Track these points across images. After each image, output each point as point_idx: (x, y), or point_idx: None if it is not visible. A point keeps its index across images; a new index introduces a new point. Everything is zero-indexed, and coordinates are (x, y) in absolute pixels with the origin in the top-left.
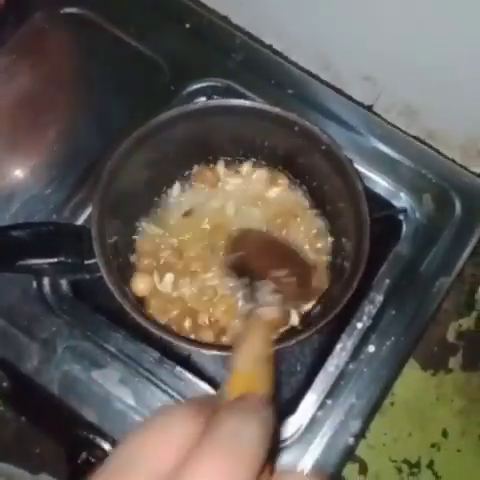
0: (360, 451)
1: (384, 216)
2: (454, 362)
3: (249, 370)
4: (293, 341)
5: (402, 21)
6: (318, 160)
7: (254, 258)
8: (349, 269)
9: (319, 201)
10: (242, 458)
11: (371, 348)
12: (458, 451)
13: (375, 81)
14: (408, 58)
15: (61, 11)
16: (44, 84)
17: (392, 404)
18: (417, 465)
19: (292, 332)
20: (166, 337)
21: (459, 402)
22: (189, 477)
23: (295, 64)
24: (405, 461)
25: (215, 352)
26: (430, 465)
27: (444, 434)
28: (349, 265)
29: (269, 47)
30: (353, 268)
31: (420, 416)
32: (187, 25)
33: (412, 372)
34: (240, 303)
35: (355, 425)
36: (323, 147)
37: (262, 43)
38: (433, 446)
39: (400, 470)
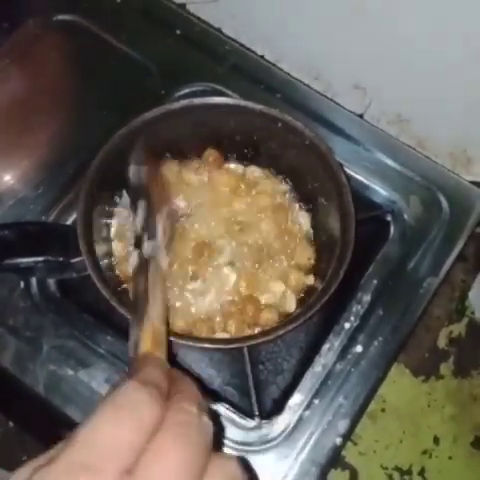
0: (351, 458)
1: (371, 217)
2: (445, 368)
3: (160, 324)
4: (281, 331)
5: (390, 31)
6: (302, 155)
7: (152, 187)
8: (334, 260)
9: (305, 196)
10: (197, 447)
11: (359, 348)
12: (450, 458)
13: (365, 90)
14: (397, 67)
15: (54, 18)
16: (36, 89)
17: (383, 410)
18: (408, 472)
19: (278, 324)
20: None
21: (451, 409)
22: (149, 465)
23: (285, 73)
24: (396, 468)
25: (203, 345)
26: (421, 472)
27: (435, 441)
28: (336, 256)
29: (261, 57)
30: (338, 259)
31: (411, 423)
32: (178, 31)
33: (403, 378)
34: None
35: (343, 425)
36: (306, 141)
37: (254, 53)
38: (424, 453)
39: (391, 477)
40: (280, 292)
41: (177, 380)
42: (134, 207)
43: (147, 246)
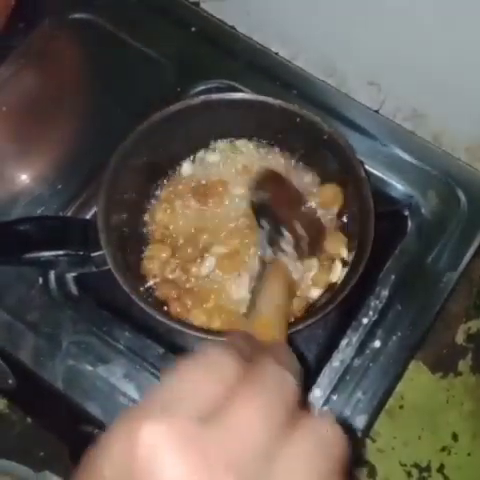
0: (369, 455)
1: (389, 211)
2: (464, 365)
3: (271, 315)
4: (300, 326)
5: (406, 26)
6: (321, 150)
7: (277, 202)
8: (354, 255)
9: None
10: (282, 405)
11: (377, 343)
12: (468, 454)
13: (380, 86)
14: (412, 62)
15: (69, 16)
16: (52, 88)
17: (401, 407)
18: (427, 469)
19: (299, 318)
20: (175, 326)
21: (469, 405)
22: (231, 419)
23: (301, 69)
24: (415, 465)
25: (223, 338)
26: (440, 469)
27: (454, 437)
28: (354, 252)
29: (275, 54)
30: (358, 254)
31: (430, 419)
32: (193, 29)
33: (421, 375)
34: (260, 247)
35: (361, 421)
36: (325, 137)
37: (269, 50)
38: (443, 450)
39: (410, 474)
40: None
41: (267, 349)
42: (259, 224)
43: (268, 252)
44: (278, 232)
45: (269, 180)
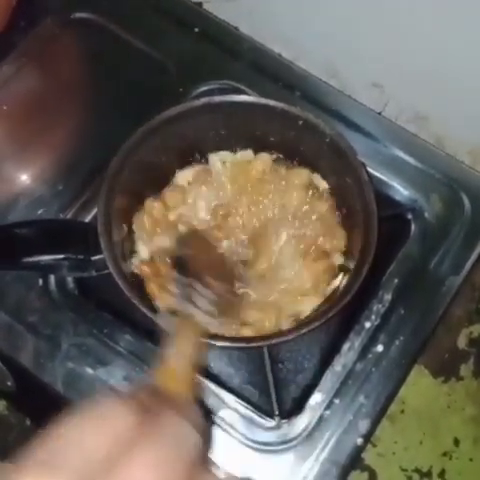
0: (370, 460)
1: (392, 215)
2: (465, 369)
3: (179, 368)
4: (304, 330)
5: (409, 28)
6: (323, 153)
7: (198, 260)
8: (357, 259)
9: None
10: (180, 454)
11: (379, 347)
12: (470, 460)
13: (383, 88)
14: (416, 65)
15: (71, 16)
16: (53, 87)
17: (402, 412)
18: (428, 474)
19: (301, 323)
20: None
21: (471, 410)
22: (124, 468)
23: (304, 70)
24: (416, 470)
25: (223, 343)
26: (441, 474)
27: (456, 442)
28: (357, 255)
29: (278, 55)
30: (361, 258)
31: (431, 424)
32: (196, 29)
33: (423, 379)
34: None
35: (363, 425)
36: (327, 140)
37: (271, 51)
38: (445, 455)
39: (411, 479)
40: None
41: (176, 406)
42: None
43: (182, 306)
44: (194, 288)
45: (193, 238)
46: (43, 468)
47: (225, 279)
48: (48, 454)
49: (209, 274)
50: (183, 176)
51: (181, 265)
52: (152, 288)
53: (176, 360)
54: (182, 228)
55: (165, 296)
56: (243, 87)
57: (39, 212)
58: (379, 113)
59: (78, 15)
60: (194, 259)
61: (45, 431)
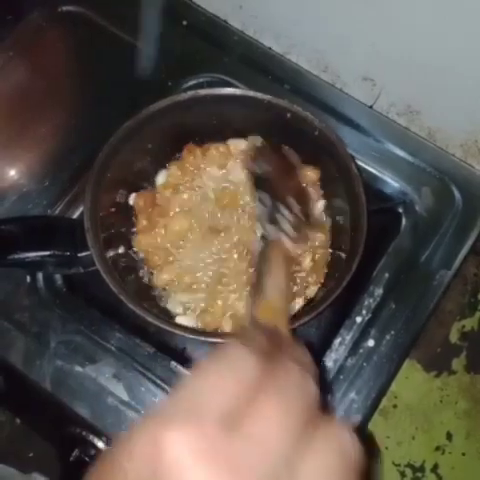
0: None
1: (383, 209)
2: (458, 363)
3: (277, 300)
4: (294, 325)
5: (400, 21)
6: (312, 146)
7: (277, 178)
8: (347, 253)
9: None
10: (305, 410)
11: (371, 342)
12: (463, 454)
13: (374, 81)
14: (407, 58)
15: (59, 9)
16: (41, 81)
17: (395, 407)
18: (421, 469)
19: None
20: (163, 326)
21: (463, 404)
22: (254, 425)
23: (294, 64)
24: (409, 465)
25: (212, 339)
26: (434, 469)
27: (448, 437)
28: (348, 249)
29: (269, 49)
30: (351, 251)
31: (424, 419)
32: (184, 22)
33: (415, 374)
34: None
35: (355, 421)
36: (316, 132)
37: (261, 45)
38: (437, 449)
39: (403, 474)
40: None
41: (287, 346)
42: (257, 196)
43: (269, 230)
44: (278, 210)
45: (268, 152)
46: (187, 416)
47: (302, 201)
48: (188, 403)
49: (291, 195)
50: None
51: (261, 186)
52: (155, 260)
53: (274, 292)
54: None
55: (169, 268)
56: (233, 80)
57: (27, 208)
58: (370, 107)
59: (65, 8)
60: (276, 178)
61: (183, 381)
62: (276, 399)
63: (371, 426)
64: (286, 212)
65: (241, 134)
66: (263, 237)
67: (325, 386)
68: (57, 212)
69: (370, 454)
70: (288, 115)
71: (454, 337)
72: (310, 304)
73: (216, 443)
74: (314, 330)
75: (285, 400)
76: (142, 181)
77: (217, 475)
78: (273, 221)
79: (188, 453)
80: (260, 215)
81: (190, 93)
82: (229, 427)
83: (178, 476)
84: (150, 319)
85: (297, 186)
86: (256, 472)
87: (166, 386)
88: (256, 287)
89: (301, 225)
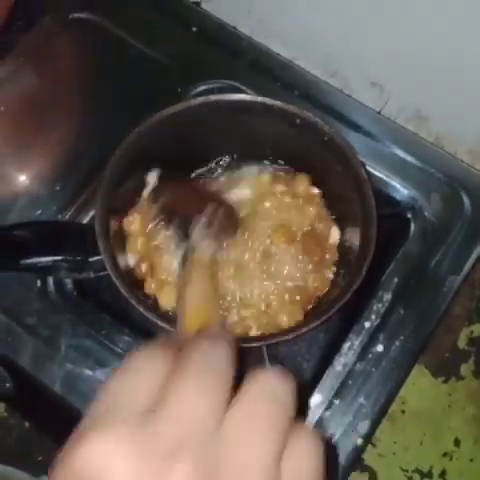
0: (370, 460)
1: (392, 214)
2: (466, 369)
3: (201, 303)
4: (304, 329)
5: (409, 26)
6: (321, 151)
7: (179, 205)
8: (356, 258)
9: (324, 193)
10: (213, 378)
11: (379, 347)
12: (471, 460)
13: (383, 87)
14: (416, 63)
15: (70, 16)
16: (51, 87)
17: (403, 412)
18: (429, 475)
19: (300, 322)
20: (173, 330)
21: (472, 410)
22: (168, 409)
23: (303, 69)
24: (416, 470)
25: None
26: (442, 475)
27: (456, 443)
28: (357, 253)
29: (277, 55)
30: (360, 255)
31: (431, 424)
32: (194, 28)
33: (423, 379)
34: (176, 249)
35: (364, 426)
36: (325, 138)
37: (270, 51)
38: (445, 455)
39: None
40: None
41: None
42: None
43: (182, 247)
44: (183, 224)
45: (167, 189)
46: (104, 420)
47: (206, 201)
48: (104, 409)
49: (189, 205)
50: None
51: (165, 211)
52: (151, 287)
53: (196, 297)
54: None
55: (166, 291)
56: (242, 86)
57: (37, 213)
58: (379, 112)
59: (76, 15)
60: (173, 201)
61: (99, 392)
62: (188, 373)
63: (378, 431)
64: (193, 223)
65: (249, 140)
66: (182, 256)
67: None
68: (67, 217)
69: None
70: (297, 121)
71: (462, 343)
72: (319, 307)
73: (136, 433)
74: (323, 335)
75: (197, 372)
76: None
77: (142, 460)
78: (183, 238)
79: (108, 453)
80: (174, 236)
81: (200, 99)
82: (147, 416)
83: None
84: (160, 323)
85: (198, 199)
86: (185, 445)
87: None
88: (181, 298)
89: (216, 230)
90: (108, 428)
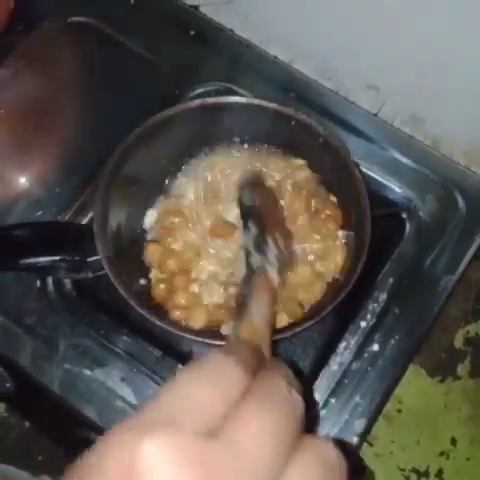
0: (367, 459)
1: (387, 214)
2: (462, 369)
3: (260, 323)
4: (298, 328)
5: (406, 29)
6: (317, 153)
7: (264, 210)
8: (351, 258)
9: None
10: (289, 425)
11: (375, 347)
12: (467, 459)
13: (379, 89)
14: (412, 66)
15: (69, 20)
16: (50, 91)
17: (399, 412)
18: (426, 474)
19: (295, 321)
20: (172, 330)
21: (468, 409)
22: (235, 439)
23: (299, 72)
24: (413, 470)
25: (219, 342)
26: (439, 474)
27: (453, 442)
28: (352, 254)
29: (274, 58)
30: (355, 255)
31: (428, 424)
32: (192, 32)
33: (419, 379)
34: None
35: (359, 424)
36: (320, 139)
37: (267, 53)
38: (442, 454)
39: (408, 479)
40: None
41: (269, 363)
42: (245, 225)
43: (255, 259)
44: (264, 238)
45: (257, 182)
46: (165, 425)
47: (286, 236)
48: (167, 411)
49: (277, 229)
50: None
51: (249, 215)
52: (161, 294)
53: (259, 314)
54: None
55: (175, 297)
56: (239, 89)
57: (37, 214)
58: (375, 114)
59: (75, 19)
60: (263, 211)
61: (162, 388)
62: (261, 409)
63: (375, 431)
64: (271, 244)
65: (246, 142)
66: (248, 263)
67: (313, 410)
68: (67, 218)
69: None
70: (293, 123)
71: (458, 343)
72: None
73: (195, 452)
74: (318, 334)
75: (270, 411)
76: (152, 188)
77: None
78: (259, 250)
79: (164, 463)
80: (246, 242)
81: (197, 101)
82: (209, 437)
83: None
84: (158, 322)
85: (281, 222)
86: None
87: None
88: (241, 309)
89: (284, 259)
90: (167, 433)
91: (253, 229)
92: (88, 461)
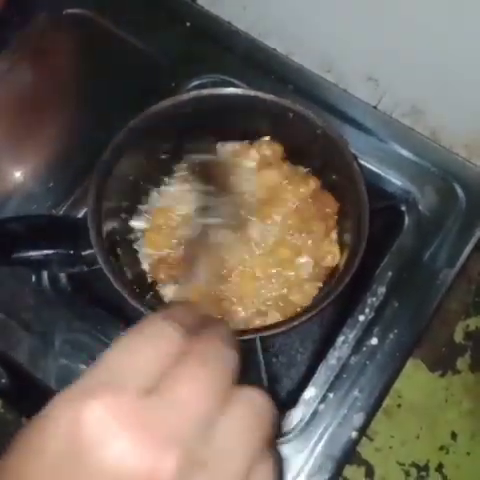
0: (366, 454)
1: (386, 207)
2: (462, 363)
3: (209, 286)
4: (296, 322)
5: (403, 21)
6: (314, 144)
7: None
8: (349, 251)
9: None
10: (224, 377)
11: (374, 341)
12: (467, 454)
13: (378, 81)
14: (411, 58)
15: (64, 12)
16: (45, 83)
17: (399, 406)
18: (425, 468)
19: (293, 315)
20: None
21: (468, 404)
22: (174, 394)
23: (298, 64)
24: (413, 464)
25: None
26: (439, 468)
27: (453, 436)
28: (350, 246)
29: (272, 50)
30: (353, 248)
31: (428, 418)
32: (188, 23)
33: (420, 373)
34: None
35: (358, 419)
36: (318, 131)
37: (265, 45)
38: (442, 449)
39: (408, 473)
40: None
41: (207, 322)
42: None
43: (201, 219)
44: (214, 198)
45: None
46: (106, 387)
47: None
48: (107, 374)
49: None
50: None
51: (201, 172)
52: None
53: (206, 278)
54: None
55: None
56: (237, 81)
57: (32, 208)
58: (375, 107)
59: (71, 11)
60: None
61: (103, 354)
62: (195, 365)
63: (375, 425)
64: (223, 200)
65: (243, 134)
66: (198, 223)
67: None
68: (61, 213)
69: None
70: (291, 115)
71: (458, 336)
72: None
73: (136, 410)
74: (317, 328)
75: (204, 365)
76: (146, 182)
77: (140, 441)
78: (207, 207)
79: (108, 423)
80: (197, 204)
81: (192, 93)
82: (149, 394)
83: (99, 447)
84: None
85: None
86: (177, 435)
87: None
88: (187, 272)
89: (237, 213)
90: (109, 393)
91: (204, 189)
92: (34, 427)
